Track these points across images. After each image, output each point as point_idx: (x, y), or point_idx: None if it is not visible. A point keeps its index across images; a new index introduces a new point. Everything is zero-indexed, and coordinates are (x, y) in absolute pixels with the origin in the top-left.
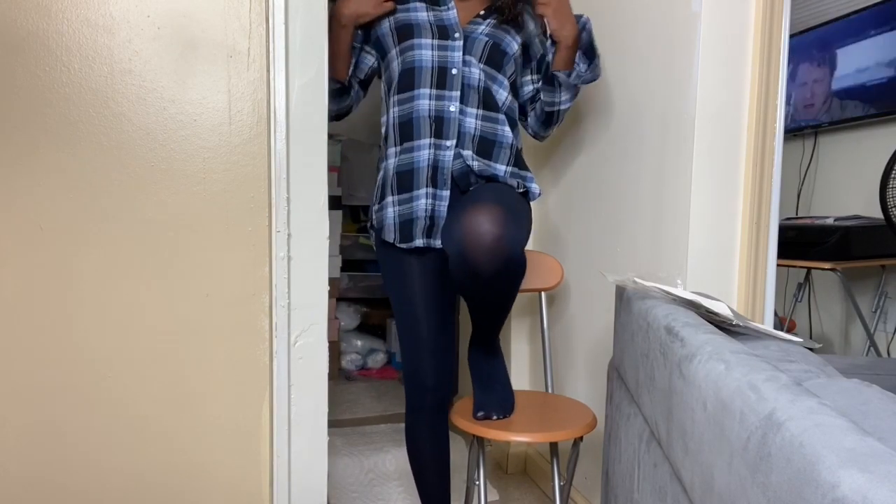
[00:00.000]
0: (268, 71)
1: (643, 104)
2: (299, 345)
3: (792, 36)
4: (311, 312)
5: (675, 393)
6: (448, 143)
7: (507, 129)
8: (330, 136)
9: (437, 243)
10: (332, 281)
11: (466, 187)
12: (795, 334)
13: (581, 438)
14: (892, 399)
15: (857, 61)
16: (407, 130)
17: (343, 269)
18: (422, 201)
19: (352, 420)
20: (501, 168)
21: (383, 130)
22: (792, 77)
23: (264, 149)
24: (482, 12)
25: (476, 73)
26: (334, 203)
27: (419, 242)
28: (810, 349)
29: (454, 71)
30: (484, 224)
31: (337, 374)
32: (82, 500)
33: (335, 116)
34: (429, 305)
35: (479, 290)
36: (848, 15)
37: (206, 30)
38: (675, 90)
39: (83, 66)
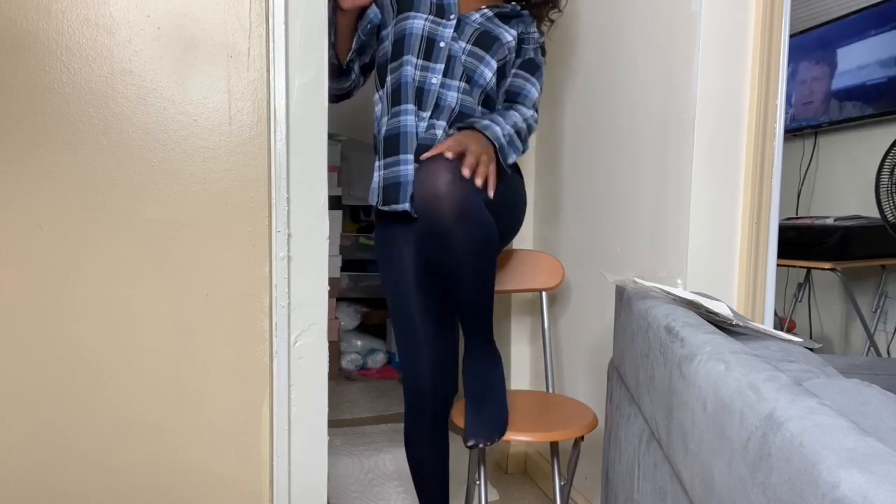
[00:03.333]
0: (268, 71)
1: (643, 104)
2: (299, 345)
3: (792, 36)
4: (311, 312)
5: (675, 393)
6: (424, 114)
7: (489, 108)
8: (330, 136)
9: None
10: (332, 281)
11: None
12: (795, 334)
13: (581, 438)
14: (892, 399)
15: (856, 61)
16: (396, 96)
17: (343, 269)
18: (409, 166)
19: (352, 420)
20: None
21: (378, 107)
22: (792, 76)
23: (264, 149)
24: (484, 7)
25: (463, 47)
26: (334, 203)
27: (405, 206)
28: (810, 349)
29: (442, 44)
30: (438, 171)
31: (337, 374)
32: (82, 499)
33: (334, 97)
34: (419, 284)
35: (446, 254)
36: (848, 15)
37: (206, 30)
38: (675, 90)
39: (83, 66)
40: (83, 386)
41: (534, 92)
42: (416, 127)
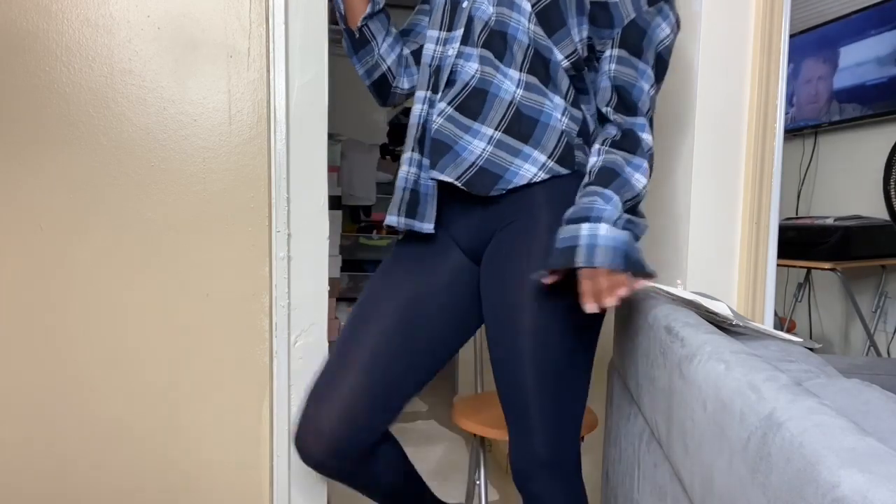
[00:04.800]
0: (268, 71)
1: None
2: (299, 345)
3: (792, 36)
4: (311, 312)
5: (675, 393)
6: (438, 95)
7: (510, 81)
8: (330, 136)
9: (421, 225)
10: (332, 281)
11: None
12: (795, 334)
13: (581, 438)
14: (892, 399)
15: (856, 60)
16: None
17: (343, 269)
18: (404, 168)
19: None
20: (483, 133)
21: None
22: (794, 75)
23: (264, 149)
24: None
25: (486, 4)
26: (334, 203)
27: (393, 220)
28: (810, 349)
29: (465, 4)
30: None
31: None
32: (81, 499)
33: (372, 85)
34: (395, 305)
35: None
36: (848, 15)
37: (206, 30)
38: (674, 90)
39: (83, 66)
40: (83, 385)
41: (645, 88)
42: (427, 113)
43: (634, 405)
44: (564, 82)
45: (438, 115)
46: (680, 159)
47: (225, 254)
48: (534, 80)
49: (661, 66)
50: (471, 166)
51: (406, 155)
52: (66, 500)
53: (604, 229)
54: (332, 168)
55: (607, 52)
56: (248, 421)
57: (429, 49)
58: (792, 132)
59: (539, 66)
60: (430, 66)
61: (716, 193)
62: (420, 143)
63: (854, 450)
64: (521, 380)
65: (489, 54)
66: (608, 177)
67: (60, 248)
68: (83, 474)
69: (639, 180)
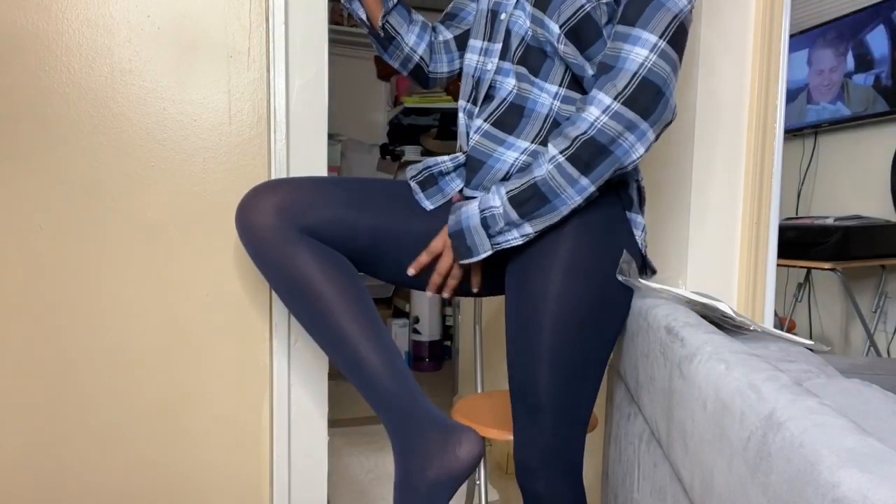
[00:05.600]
0: (268, 71)
1: None
2: (299, 345)
3: (793, 35)
4: None
5: (675, 393)
6: (476, 108)
7: (547, 95)
8: (330, 136)
9: (424, 200)
10: None
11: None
12: (796, 334)
13: None
14: (892, 399)
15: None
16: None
17: None
18: (458, 182)
19: (352, 420)
20: (518, 146)
21: None
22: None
23: (264, 149)
24: None
25: (523, 18)
26: None
27: (410, 173)
28: (813, 350)
29: (502, 16)
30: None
31: (337, 374)
32: (81, 499)
33: (409, 74)
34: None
35: None
36: (848, 15)
37: (206, 30)
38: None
39: (83, 66)
40: (83, 386)
41: (633, 55)
42: (467, 128)
43: (634, 405)
44: None
45: (475, 131)
46: (680, 159)
47: (225, 254)
48: (572, 93)
49: (679, 37)
50: (504, 177)
51: (454, 153)
52: (64, 500)
53: (473, 209)
54: (332, 168)
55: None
56: (248, 421)
57: (471, 60)
58: (792, 132)
59: (574, 82)
60: (472, 76)
61: (716, 193)
62: (462, 150)
63: (854, 450)
64: (537, 377)
65: (524, 70)
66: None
67: (60, 248)
68: (82, 475)
69: (536, 169)
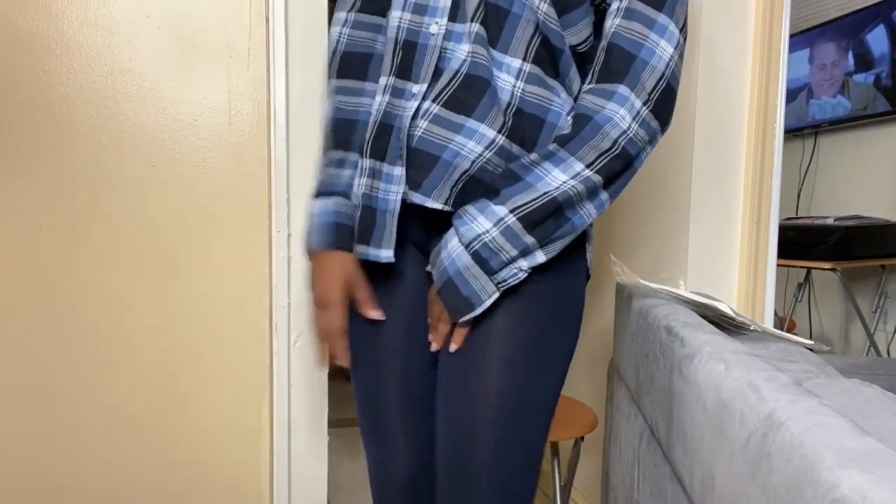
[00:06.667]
0: (268, 71)
1: None
2: (299, 345)
3: (793, 35)
4: (311, 312)
5: (675, 393)
6: (415, 88)
7: (507, 73)
8: None
9: (377, 252)
10: None
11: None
12: (795, 334)
13: (582, 438)
14: (892, 399)
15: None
16: (352, 64)
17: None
18: (347, 172)
19: (352, 420)
20: (481, 134)
21: None
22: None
23: (264, 149)
24: None
25: None
26: None
27: (379, 254)
28: (813, 350)
29: None
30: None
31: (337, 374)
32: (81, 499)
33: None
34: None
35: None
36: (847, 15)
37: (206, 30)
38: None
39: (83, 66)
40: (83, 385)
41: (660, 50)
42: (385, 110)
43: (634, 405)
44: (576, 81)
45: (422, 116)
46: (680, 159)
47: (225, 254)
48: (538, 71)
49: (686, 26)
50: (460, 177)
51: (351, 157)
52: (64, 500)
53: (454, 248)
54: None
55: (613, 5)
56: (248, 421)
57: (395, 16)
58: (792, 132)
59: (541, 57)
60: (396, 39)
61: (716, 193)
62: (376, 145)
63: (854, 450)
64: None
65: (483, 33)
66: (513, 176)
67: (60, 248)
68: (82, 475)
69: (553, 181)
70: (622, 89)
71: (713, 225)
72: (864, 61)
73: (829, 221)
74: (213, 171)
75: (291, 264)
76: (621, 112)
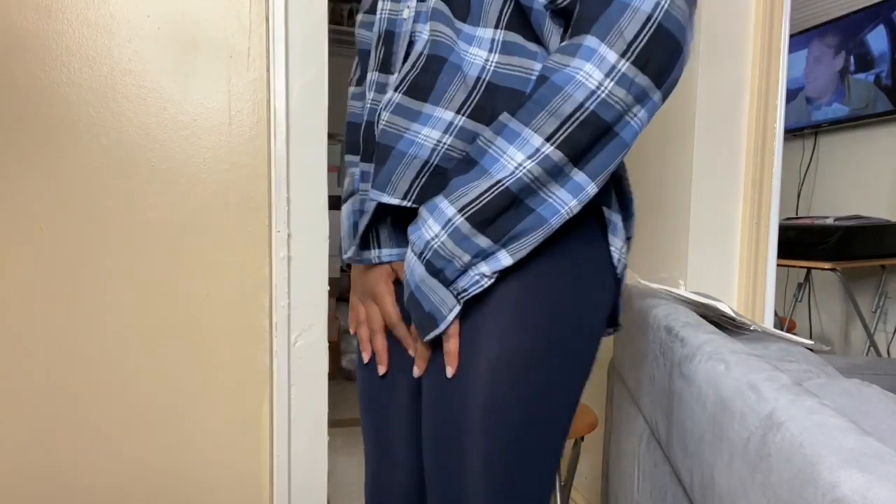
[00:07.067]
0: (268, 71)
1: None
2: (299, 345)
3: (793, 35)
4: (311, 312)
5: (675, 393)
6: (392, 79)
7: (477, 47)
8: (330, 136)
9: (373, 255)
10: (332, 281)
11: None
12: (795, 334)
13: (582, 438)
14: (892, 399)
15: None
16: (361, 61)
17: (343, 270)
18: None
19: (352, 420)
20: (437, 118)
21: None
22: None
23: (264, 149)
24: None
25: None
26: (334, 203)
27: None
28: (813, 350)
29: None
30: None
31: (337, 374)
32: (81, 499)
33: None
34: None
35: None
36: (848, 15)
37: (206, 30)
38: (674, 90)
39: (83, 66)
40: (83, 386)
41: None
42: (371, 105)
43: (634, 405)
44: (555, 37)
45: (386, 107)
46: (680, 159)
47: (225, 254)
48: (515, 37)
49: None
50: (422, 169)
51: (350, 159)
52: (65, 500)
53: (410, 258)
54: (332, 168)
55: None
56: (248, 421)
57: (380, 7)
58: (792, 132)
59: (516, 21)
60: (379, 33)
61: (716, 193)
62: (364, 146)
63: (854, 450)
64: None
65: (445, 9)
66: (459, 168)
67: (60, 248)
68: (82, 474)
69: (508, 163)
70: (589, 40)
71: (713, 225)
72: (864, 61)
73: (829, 221)
74: (213, 171)
75: (291, 264)
76: (587, 68)
